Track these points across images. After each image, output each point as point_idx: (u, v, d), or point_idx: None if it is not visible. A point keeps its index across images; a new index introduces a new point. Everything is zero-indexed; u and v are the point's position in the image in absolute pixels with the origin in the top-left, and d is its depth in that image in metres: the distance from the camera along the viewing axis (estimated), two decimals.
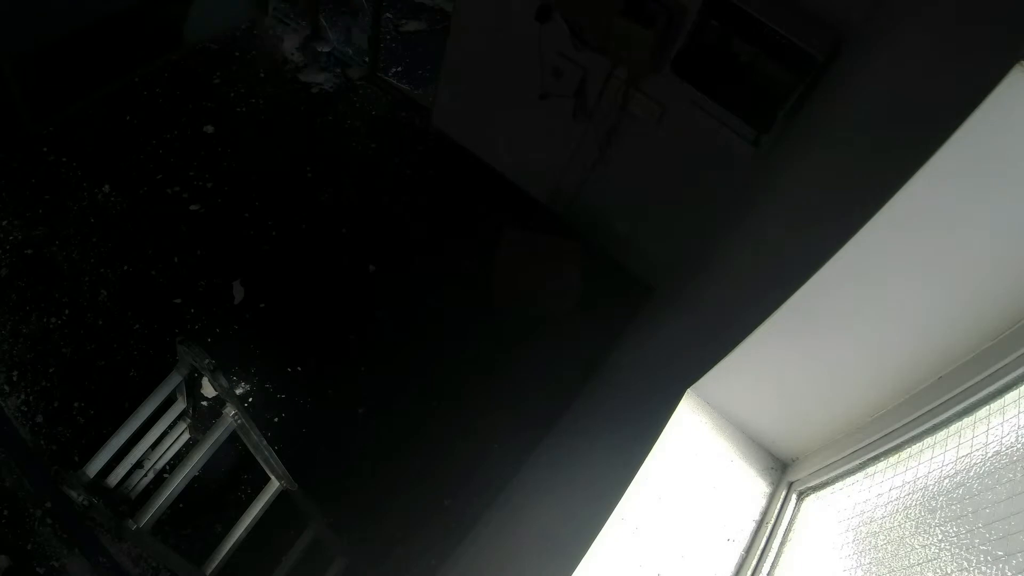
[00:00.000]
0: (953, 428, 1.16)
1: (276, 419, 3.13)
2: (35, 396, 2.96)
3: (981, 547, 0.91)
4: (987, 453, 1.04)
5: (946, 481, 1.09)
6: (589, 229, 4.05)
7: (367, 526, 2.93)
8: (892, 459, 1.30)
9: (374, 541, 2.90)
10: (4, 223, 3.37)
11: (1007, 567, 0.84)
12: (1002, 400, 1.07)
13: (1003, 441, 1.02)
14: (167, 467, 2.78)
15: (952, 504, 1.03)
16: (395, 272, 3.71)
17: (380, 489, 3.03)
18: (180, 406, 2.57)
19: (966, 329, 1.16)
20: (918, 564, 1.02)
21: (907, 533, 1.10)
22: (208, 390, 3.14)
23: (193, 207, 3.67)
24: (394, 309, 3.58)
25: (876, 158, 1.46)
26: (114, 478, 2.54)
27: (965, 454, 1.09)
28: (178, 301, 3.36)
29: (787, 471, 1.58)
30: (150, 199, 3.64)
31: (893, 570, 1.07)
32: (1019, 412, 1.02)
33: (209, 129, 3.99)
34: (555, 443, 2.51)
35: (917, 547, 1.05)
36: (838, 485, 1.42)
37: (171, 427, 2.65)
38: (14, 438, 2.85)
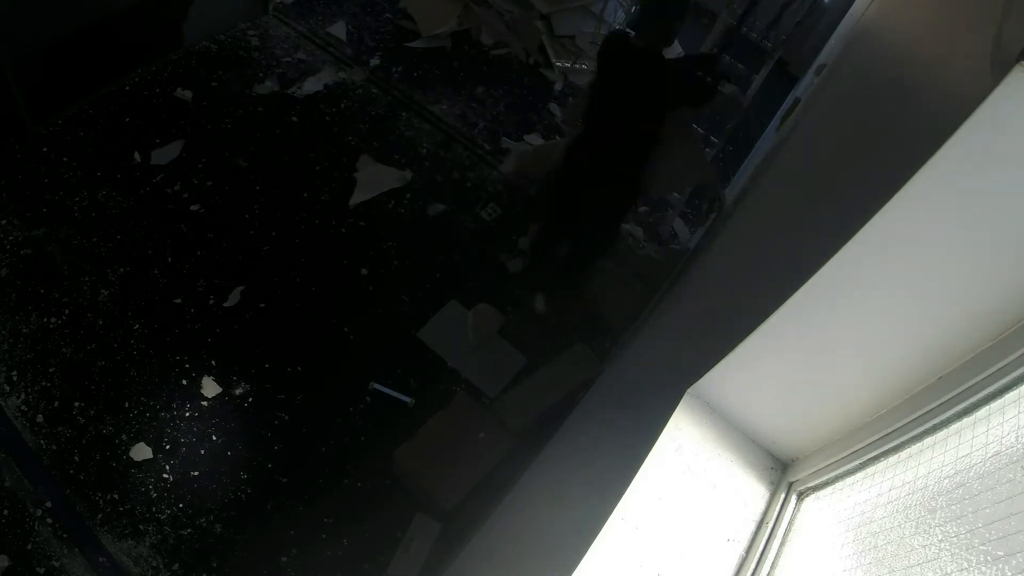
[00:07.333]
0: (953, 428, 1.16)
1: (276, 419, 3.13)
2: (35, 396, 2.96)
3: (981, 547, 0.91)
4: (987, 453, 1.04)
5: (946, 481, 1.09)
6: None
7: (368, 527, 2.93)
8: (892, 459, 1.30)
9: (375, 542, 2.90)
10: (4, 223, 3.37)
11: (1007, 567, 0.84)
12: (1002, 400, 1.07)
13: (1003, 441, 1.02)
14: None
15: (952, 504, 1.03)
16: (396, 272, 3.71)
17: (381, 490, 3.03)
18: None
19: (966, 329, 1.16)
20: (918, 564, 1.02)
21: (907, 533, 1.10)
22: (208, 390, 3.14)
23: (193, 207, 3.67)
24: (394, 309, 3.58)
25: (876, 158, 1.46)
26: None
27: (965, 454, 1.09)
28: (178, 301, 3.36)
29: (787, 471, 1.58)
30: (150, 199, 3.64)
31: (893, 570, 1.07)
32: (1019, 412, 1.02)
33: (210, 129, 4.00)
34: (556, 444, 2.51)
35: (917, 547, 1.05)
36: (838, 485, 1.42)
37: None
38: (14, 438, 2.85)
